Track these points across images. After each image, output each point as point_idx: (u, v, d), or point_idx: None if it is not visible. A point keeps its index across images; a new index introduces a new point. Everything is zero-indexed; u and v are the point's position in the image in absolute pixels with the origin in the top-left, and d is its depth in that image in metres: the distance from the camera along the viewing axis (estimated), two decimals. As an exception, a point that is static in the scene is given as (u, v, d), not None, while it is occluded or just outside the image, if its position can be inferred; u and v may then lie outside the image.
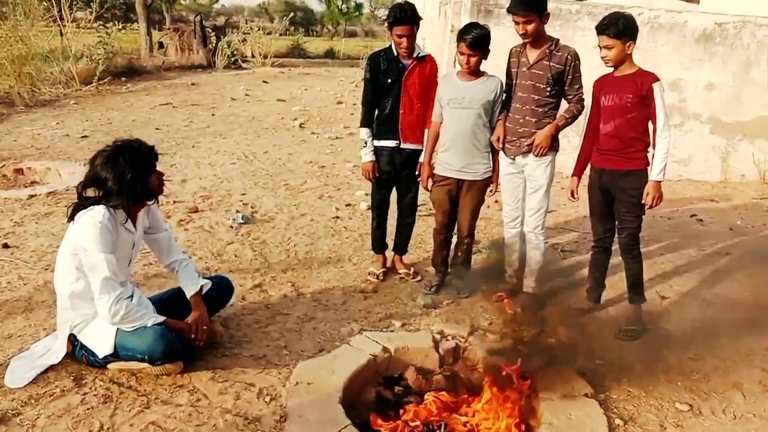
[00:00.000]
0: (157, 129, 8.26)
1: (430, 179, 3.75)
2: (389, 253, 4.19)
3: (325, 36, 39.52)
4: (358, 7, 42.47)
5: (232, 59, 16.35)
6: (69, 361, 2.79)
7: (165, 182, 2.95)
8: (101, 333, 2.71)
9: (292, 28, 28.56)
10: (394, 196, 4.08)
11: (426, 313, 3.56)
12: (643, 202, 3.29)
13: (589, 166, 3.53)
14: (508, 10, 3.34)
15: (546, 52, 3.38)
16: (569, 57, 3.36)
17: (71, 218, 2.69)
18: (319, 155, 7.29)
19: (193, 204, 5.26)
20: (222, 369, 2.84)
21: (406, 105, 3.75)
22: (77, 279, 2.68)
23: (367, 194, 5.12)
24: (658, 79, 3.22)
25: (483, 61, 3.48)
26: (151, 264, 3.95)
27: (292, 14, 31.17)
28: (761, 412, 2.77)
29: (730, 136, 7.18)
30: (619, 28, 3.16)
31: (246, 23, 19.25)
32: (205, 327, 2.91)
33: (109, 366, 2.76)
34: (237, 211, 5.09)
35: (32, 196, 5.18)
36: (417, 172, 3.86)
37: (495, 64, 3.61)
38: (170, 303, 3.04)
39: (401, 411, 2.60)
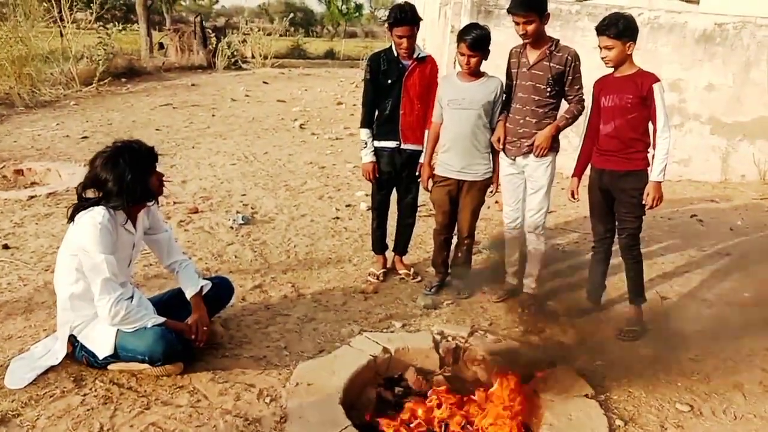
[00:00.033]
0: (157, 130, 8.26)
1: (430, 180, 3.75)
2: (389, 254, 4.19)
3: (325, 37, 39.54)
4: (358, 7, 42.54)
5: (232, 60, 16.35)
6: (69, 362, 2.79)
7: (165, 183, 2.95)
8: (101, 334, 2.71)
9: (292, 29, 28.58)
10: (394, 196, 4.08)
11: (426, 313, 3.56)
12: (643, 202, 3.29)
13: (589, 166, 3.53)
14: (509, 11, 3.34)
15: (546, 52, 3.38)
16: (569, 57, 3.36)
17: (71, 219, 2.69)
18: (319, 156, 7.29)
19: (193, 205, 5.26)
20: (222, 370, 2.84)
21: (407, 106, 3.75)
22: (77, 280, 2.68)
23: (367, 195, 5.12)
24: (658, 80, 3.22)
25: (483, 61, 3.48)
26: (151, 265, 3.95)
27: (292, 15, 31.22)
28: (762, 413, 2.76)
29: (731, 136, 7.18)
30: (620, 29, 3.16)
31: (246, 24, 19.29)
32: (205, 328, 2.91)
33: (109, 367, 2.76)
34: (237, 212, 5.09)
35: (32, 197, 5.18)
36: (417, 173, 3.85)
37: (495, 65, 3.61)
38: (170, 304, 3.04)
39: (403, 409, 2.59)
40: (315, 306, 3.59)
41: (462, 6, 6.96)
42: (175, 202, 5.29)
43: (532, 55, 3.41)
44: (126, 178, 2.63)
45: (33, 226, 4.58)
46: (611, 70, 3.32)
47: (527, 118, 3.45)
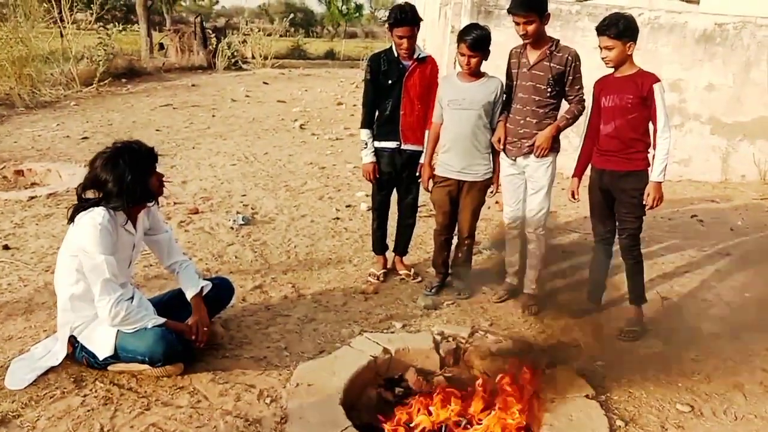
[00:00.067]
0: (157, 130, 8.26)
1: (430, 180, 3.75)
2: (390, 254, 4.18)
3: (326, 37, 39.52)
4: (359, 8, 42.55)
5: (233, 60, 16.34)
6: (69, 363, 2.79)
7: (165, 183, 2.94)
8: (101, 335, 2.71)
9: (293, 30, 28.56)
10: (394, 197, 4.08)
11: (426, 314, 3.56)
12: (643, 202, 3.29)
13: (589, 166, 3.53)
14: (509, 11, 3.34)
15: (546, 52, 3.38)
16: (570, 58, 3.36)
17: (71, 220, 2.69)
18: (319, 156, 7.29)
19: (193, 205, 5.26)
20: (222, 370, 2.84)
21: (407, 106, 3.74)
22: (77, 281, 2.68)
23: (367, 195, 5.12)
24: (658, 80, 3.22)
25: (483, 62, 3.48)
26: (151, 265, 3.95)
27: (292, 15, 31.21)
28: (762, 413, 2.76)
29: (731, 136, 7.17)
30: (620, 29, 3.16)
31: (246, 24, 19.27)
32: (205, 328, 2.91)
33: (109, 368, 2.76)
34: (237, 213, 5.09)
35: (32, 198, 5.18)
36: (417, 174, 3.85)
37: (495, 65, 3.61)
38: (171, 304, 3.04)
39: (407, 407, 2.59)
40: (315, 306, 3.59)
41: (462, 6, 6.96)
42: (175, 203, 5.29)
43: (533, 56, 3.41)
44: (126, 179, 2.63)
45: (33, 227, 4.58)
46: (611, 70, 3.32)
47: (528, 119, 3.45)
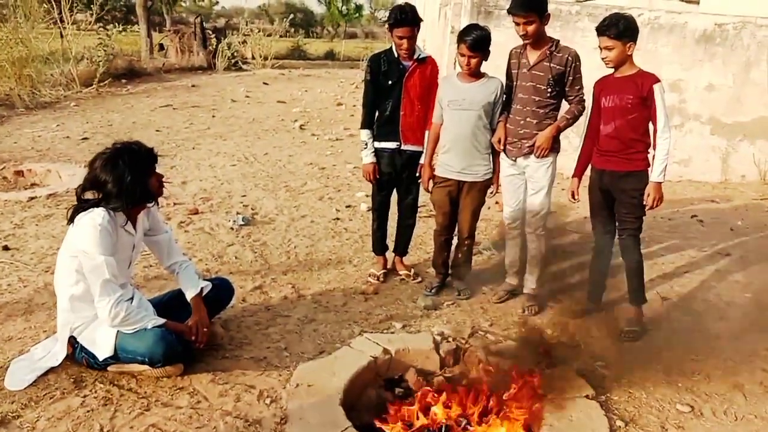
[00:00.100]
0: (157, 131, 8.26)
1: (430, 181, 3.75)
2: (390, 255, 4.18)
3: (325, 37, 39.52)
4: (358, 8, 42.53)
5: (233, 61, 16.34)
6: (69, 364, 2.79)
7: (165, 184, 2.94)
8: (101, 335, 2.71)
9: (292, 30, 28.57)
10: (394, 197, 4.08)
11: (426, 314, 3.56)
12: (643, 203, 3.29)
13: (589, 167, 3.53)
14: (509, 11, 3.34)
15: (546, 53, 3.37)
16: (570, 58, 3.36)
17: (71, 221, 2.69)
18: (319, 157, 7.29)
19: (193, 206, 5.26)
20: (222, 371, 2.84)
21: (407, 107, 3.74)
22: (77, 281, 2.68)
23: (367, 196, 5.12)
24: (658, 80, 3.22)
25: (483, 62, 3.48)
26: (151, 266, 3.94)
27: (292, 16, 31.16)
28: (762, 414, 2.76)
29: (731, 136, 7.17)
30: (620, 29, 3.15)
31: (246, 25, 19.27)
32: (205, 329, 2.91)
33: (109, 368, 2.76)
34: (237, 213, 5.09)
35: (32, 198, 5.18)
36: (417, 174, 3.85)
37: (495, 65, 3.61)
38: (170, 305, 3.04)
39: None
40: (315, 307, 3.59)
41: (462, 7, 6.96)
42: (175, 203, 5.29)
43: (533, 56, 3.41)
44: (125, 180, 2.63)
45: (33, 228, 4.58)
46: (611, 70, 3.32)
47: (528, 119, 3.45)
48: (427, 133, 3.78)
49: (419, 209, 4.20)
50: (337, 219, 5.16)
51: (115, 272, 2.64)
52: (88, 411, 2.51)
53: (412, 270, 4.10)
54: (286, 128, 8.91)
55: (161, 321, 2.79)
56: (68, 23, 11.42)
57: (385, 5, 41.95)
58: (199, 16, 18.09)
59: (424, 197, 4.11)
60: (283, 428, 2.46)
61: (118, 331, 2.69)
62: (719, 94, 7.04)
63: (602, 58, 3.27)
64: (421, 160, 3.81)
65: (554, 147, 3.48)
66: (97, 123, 8.58)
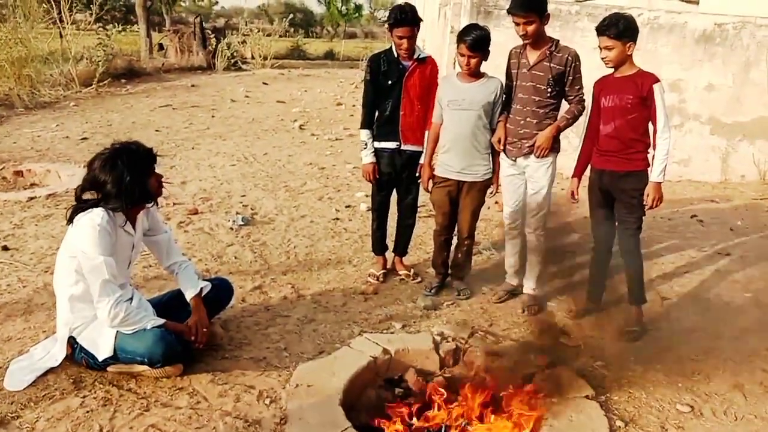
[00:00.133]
0: (156, 131, 8.26)
1: (430, 181, 3.75)
2: (389, 255, 4.18)
3: (325, 37, 39.49)
4: (358, 8, 42.49)
5: (232, 61, 16.33)
6: (68, 364, 2.78)
7: (164, 184, 2.94)
8: (101, 336, 2.71)
9: (292, 30, 28.55)
10: (394, 197, 4.07)
11: (426, 314, 3.56)
12: (643, 203, 3.29)
13: (589, 167, 3.53)
14: (509, 11, 3.33)
15: (546, 53, 3.37)
16: (569, 58, 3.35)
17: (70, 221, 2.68)
18: (318, 157, 7.29)
19: (192, 206, 5.26)
20: (222, 371, 2.84)
21: (407, 106, 3.74)
22: (77, 282, 2.67)
23: (367, 196, 5.12)
24: (658, 80, 3.22)
25: (483, 62, 3.48)
26: (150, 266, 3.94)
27: (291, 16, 31.15)
28: (762, 414, 2.76)
29: (730, 136, 7.17)
30: (620, 29, 3.15)
31: (246, 25, 19.27)
32: (204, 329, 2.90)
33: (108, 369, 2.75)
34: (237, 213, 5.09)
35: (32, 198, 5.17)
36: (417, 174, 3.85)
37: (495, 65, 3.61)
38: (170, 305, 3.04)
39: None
40: (315, 307, 3.58)
41: (462, 6, 6.95)
42: (174, 203, 5.29)
43: (532, 56, 3.40)
44: (124, 180, 2.63)
45: (32, 228, 4.58)
46: (611, 70, 3.32)
47: (528, 119, 3.45)
48: (426, 133, 3.77)
49: (419, 209, 4.20)
50: (337, 219, 5.15)
51: (115, 272, 2.64)
52: (87, 411, 2.50)
53: (412, 270, 4.10)
54: (285, 128, 8.91)
55: (161, 321, 2.78)
56: (68, 23, 11.41)
57: (384, 5, 41.94)
58: (199, 16, 18.09)
59: (423, 197, 4.10)
60: (283, 428, 2.45)
61: (117, 331, 2.69)
62: (719, 94, 7.04)
63: (602, 58, 3.27)
64: (421, 160, 3.81)
65: (554, 147, 3.48)
66: (96, 123, 8.57)
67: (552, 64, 3.36)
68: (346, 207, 5.47)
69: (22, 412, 2.49)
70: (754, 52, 6.93)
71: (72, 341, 2.76)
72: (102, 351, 2.70)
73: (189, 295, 3.00)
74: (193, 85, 12.67)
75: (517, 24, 3.30)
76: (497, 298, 3.77)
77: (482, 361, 3.01)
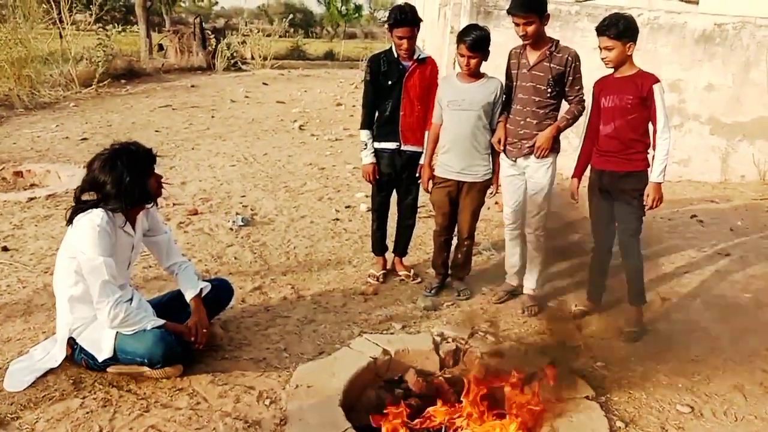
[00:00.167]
0: (156, 131, 8.26)
1: (430, 181, 3.75)
2: (389, 255, 4.18)
3: (325, 38, 39.49)
4: (358, 8, 42.48)
5: (232, 61, 16.33)
6: (68, 365, 2.78)
7: (164, 185, 2.94)
8: (101, 336, 2.70)
9: (292, 30, 28.58)
10: (394, 198, 4.07)
11: (426, 315, 3.56)
12: (643, 203, 3.29)
13: (589, 167, 3.53)
14: (508, 12, 3.33)
15: (546, 53, 3.37)
16: (569, 58, 3.35)
17: (70, 222, 2.68)
18: (318, 157, 7.29)
19: (192, 206, 5.26)
20: (222, 372, 2.84)
21: (407, 107, 3.74)
22: (76, 282, 2.67)
23: (367, 196, 5.12)
24: (658, 81, 3.22)
25: (483, 62, 3.48)
26: (150, 267, 3.94)
27: (291, 16, 31.15)
28: (762, 414, 2.76)
29: (730, 136, 7.17)
30: (620, 29, 3.15)
31: (245, 25, 19.28)
32: (204, 330, 2.90)
33: (108, 369, 2.75)
34: (237, 214, 5.08)
35: (32, 199, 5.17)
36: (417, 174, 3.85)
37: (495, 65, 3.61)
38: (170, 306, 3.04)
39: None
40: (315, 308, 3.58)
41: (461, 7, 6.95)
42: (174, 204, 5.29)
43: (532, 56, 3.40)
44: (124, 181, 2.63)
45: (32, 228, 4.58)
46: (611, 70, 3.32)
47: (528, 119, 3.45)
48: (426, 133, 3.77)
49: (419, 210, 4.20)
50: (337, 219, 5.15)
51: (114, 273, 2.63)
52: (87, 412, 2.50)
53: (412, 270, 4.10)
54: (285, 128, 8.91)
55: (160, 322, 2.78)
56: (67, 23, 11.41)
57: (384, 5, 41.95)
58: (199, 17, 18.08)
59: (423, 198, 4.10)
60: (283, 429, 2.45)
61: (117, 332, 2.68)
62: (719, 94, 7.04)
63: (602, 59, 3.27)
64: (421, 161, 3.80)
65: (554, 147, 3.48)
66: (96, 123, 8.57)
67: (552, 65, 3.36)
68: (346, 207, 5.47)
69: (21, 412, 2.49)
70: (754, 52, 6.93)
71: (72, 342, 2.76)
72: (102, 352, 2.70)
73: (189, 295, 3.00)
74: (192, 86, 12.67)
75: (517, 24, 3.30)
76: (497, 298, 3.77)
77: (482, 361, 3.00)
